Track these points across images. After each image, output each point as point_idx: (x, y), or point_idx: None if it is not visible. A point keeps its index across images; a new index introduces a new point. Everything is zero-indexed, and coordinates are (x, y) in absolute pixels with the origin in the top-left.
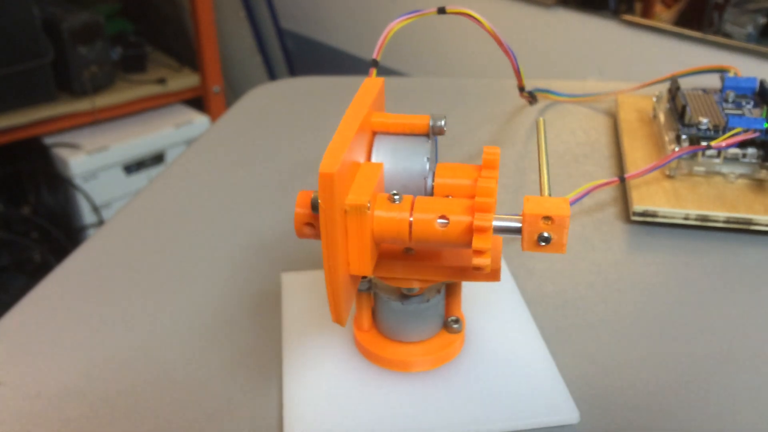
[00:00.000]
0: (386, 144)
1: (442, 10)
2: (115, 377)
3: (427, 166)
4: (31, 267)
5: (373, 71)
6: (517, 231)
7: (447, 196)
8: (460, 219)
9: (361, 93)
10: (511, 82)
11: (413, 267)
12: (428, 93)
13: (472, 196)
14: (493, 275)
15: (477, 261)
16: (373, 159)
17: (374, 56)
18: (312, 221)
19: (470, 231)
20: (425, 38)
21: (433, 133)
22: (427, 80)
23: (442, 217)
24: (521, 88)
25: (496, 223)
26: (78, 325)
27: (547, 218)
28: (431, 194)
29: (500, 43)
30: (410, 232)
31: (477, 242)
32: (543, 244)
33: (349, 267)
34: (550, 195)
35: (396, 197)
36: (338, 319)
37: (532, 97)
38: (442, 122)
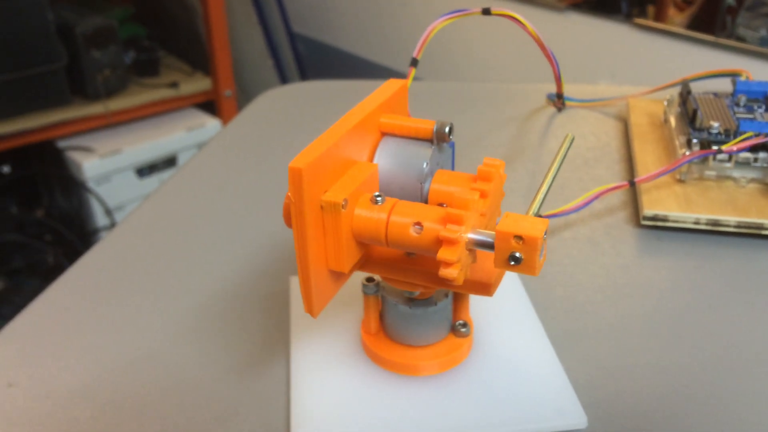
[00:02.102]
0: (390, 146)
1: (486, 11)
2: (123, 379)
3: (425, 172)
4: (45, 269)
5: (412, 70)
6: (491, 247)
7: (441, 204)
8: (433, 227)
9: (375, 93)
10: (520, 87)
11: (409, 270)
12: (440, 97)
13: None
14: (484, 289)
15: (443, 272)
16: (375, 159)
17: (415, 55)
18: None
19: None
20: (435, 43)
21: (436, 138)
22: (440, 84)
23: (417, 223)
24: (559, 96)
25: (471, 236)
26: (88, 327)
27: (518, 237)
28: (427, 200)
29: (543, 48)
30: (386, 234)
31: (442, 253)
32: (513, 263)
33: (327, 261)
34: (537, 213)
35: (378, 198)
36: (309, 309)
37: (563, 105)
38: (446, 129)
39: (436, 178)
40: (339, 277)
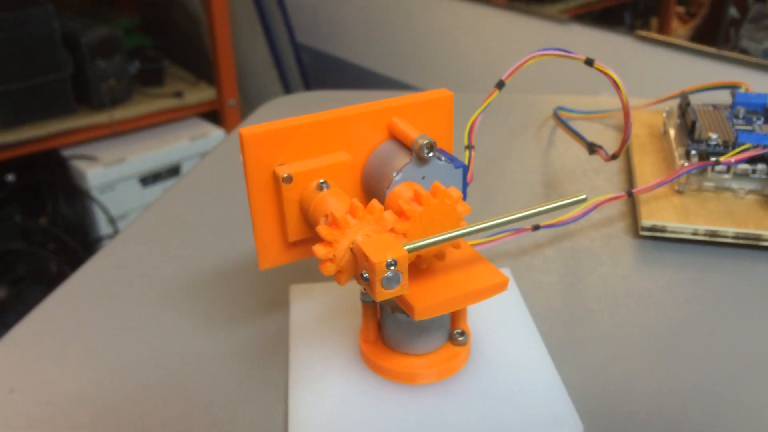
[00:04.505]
0: (384, 147)
1: (590, 62)
2: (123, 385)
3: (394, 180)
4: (48, 277)
5: (495, 91)
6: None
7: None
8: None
9: (401, 97)
10: (525, 97)
11: None
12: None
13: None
14: (409, 309)
15: (320, 266)
16: (371, 155)
17: (503, 78)
18: None
19: None
20: (438, 53)
21: (414, 151)
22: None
23: (326, 215)
24: (614, 156)
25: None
26: (89, 334)
27: (365, 257)
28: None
29: (627, 117)
30: (310, 215)
31: (316, 248)
32: (363, 281)
33: (281, 227)
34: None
35: (324, 186)
36: (258, 258)
37: (612, 158)
38: (423, 143)
39: (403, 185)
40: (294, 244)
